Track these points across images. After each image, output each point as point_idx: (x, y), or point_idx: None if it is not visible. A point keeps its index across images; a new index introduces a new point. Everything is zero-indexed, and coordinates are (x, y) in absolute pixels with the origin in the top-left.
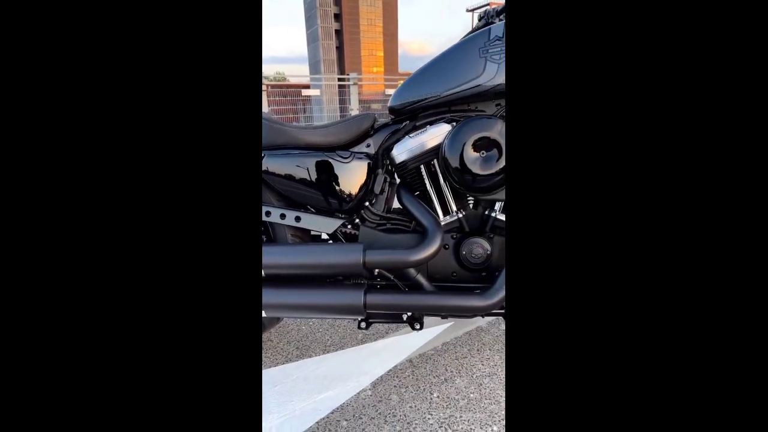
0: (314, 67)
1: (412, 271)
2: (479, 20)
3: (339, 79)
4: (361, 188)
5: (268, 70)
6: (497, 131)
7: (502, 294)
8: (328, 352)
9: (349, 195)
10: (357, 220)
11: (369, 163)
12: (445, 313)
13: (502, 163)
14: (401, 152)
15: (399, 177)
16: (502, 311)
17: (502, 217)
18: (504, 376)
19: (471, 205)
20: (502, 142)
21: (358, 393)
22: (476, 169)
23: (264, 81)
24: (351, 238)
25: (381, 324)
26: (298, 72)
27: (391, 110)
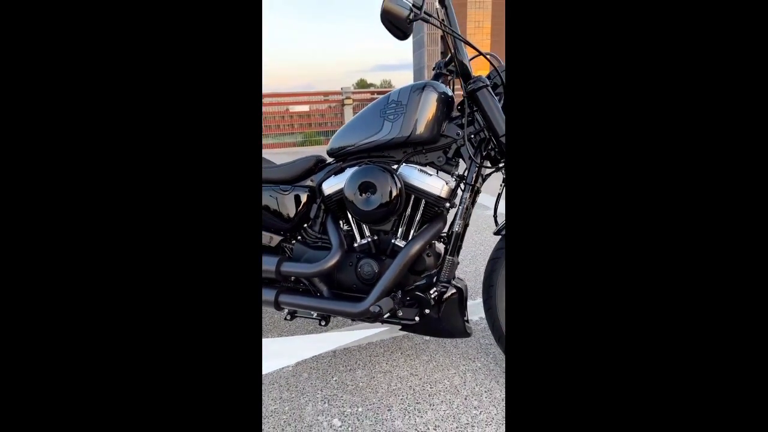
0: (418, 74)
1: (316, 279)
2: (433, 70)
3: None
4: (296, 214)
5: (375, 78)
6: (377, 178)
7: (367, 305)
8: (282, 335)
9: (288, 218)
10: (300, 237)
11: (308, 195)
12: (329, 314)
13: (381, 203)
14: (327, 188)
15: (327, 206)
16: (393, 321)
17: (401, 243)
18: (399, 374)
19: (383, 232)
20: (378, 186)
21: (281, 368)
22: (359, 205)
23: (369, 89)
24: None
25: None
26: (405, 79)
27: (329, 153)
